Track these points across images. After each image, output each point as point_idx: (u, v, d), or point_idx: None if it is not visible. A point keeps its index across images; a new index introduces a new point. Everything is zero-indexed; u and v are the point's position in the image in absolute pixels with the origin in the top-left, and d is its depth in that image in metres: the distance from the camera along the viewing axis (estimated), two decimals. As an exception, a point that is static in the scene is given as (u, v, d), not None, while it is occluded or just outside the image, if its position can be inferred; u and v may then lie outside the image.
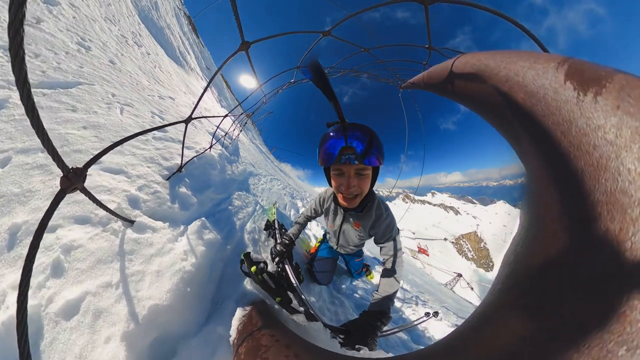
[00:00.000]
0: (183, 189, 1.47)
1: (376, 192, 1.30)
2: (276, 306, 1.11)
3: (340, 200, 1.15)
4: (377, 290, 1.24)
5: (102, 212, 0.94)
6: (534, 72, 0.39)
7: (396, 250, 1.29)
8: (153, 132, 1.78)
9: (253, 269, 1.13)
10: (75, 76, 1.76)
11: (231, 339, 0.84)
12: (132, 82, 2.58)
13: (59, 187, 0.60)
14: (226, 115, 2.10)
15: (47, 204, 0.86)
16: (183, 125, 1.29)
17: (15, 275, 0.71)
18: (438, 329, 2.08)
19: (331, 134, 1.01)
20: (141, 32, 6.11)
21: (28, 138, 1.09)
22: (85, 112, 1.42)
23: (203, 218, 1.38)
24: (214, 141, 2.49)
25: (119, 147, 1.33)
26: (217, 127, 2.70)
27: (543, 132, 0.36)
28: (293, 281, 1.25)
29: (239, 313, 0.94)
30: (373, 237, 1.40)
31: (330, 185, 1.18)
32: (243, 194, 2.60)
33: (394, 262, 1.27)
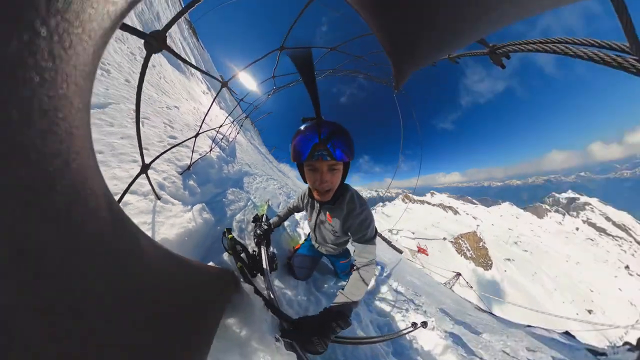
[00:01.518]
0: (191, 182, 2.01)
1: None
2: (235, 273, 1.22)
3: (315, 196, 1.19)
4: (342, 290, 1.16)
5: (143, 189, 1.48)
6: None
7: (370, 254, 1.22)
8: (167, 139, 2.31)
9: (230, 236, 1.43)
10: (105, 98, 2.28)
11: None
12: (145, 97, 3.10)
13: (124, 175, 1.15)
14: (221, 125, 2.61)
15: (109, 182, 1.40)
16: (192, 132, 1.81)
17: None
18: (429, 340, 1.84)
19: (304, 129, 1.02)
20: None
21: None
22: (120, 126, 1.94)
23: (203, 203, 1.89)
24: (213, 145, 3.01)
25: (147, 152, 1.86)
26: (217, 132, 3.22)
27: None
28: (265, 266, 1.43)
29: (211, 264, 1.16)
30: (350, 235, 1.34)
31: (304, 180, 1.20)
32: (236, 191, 3.05)
33: (365, 265, 1.19)
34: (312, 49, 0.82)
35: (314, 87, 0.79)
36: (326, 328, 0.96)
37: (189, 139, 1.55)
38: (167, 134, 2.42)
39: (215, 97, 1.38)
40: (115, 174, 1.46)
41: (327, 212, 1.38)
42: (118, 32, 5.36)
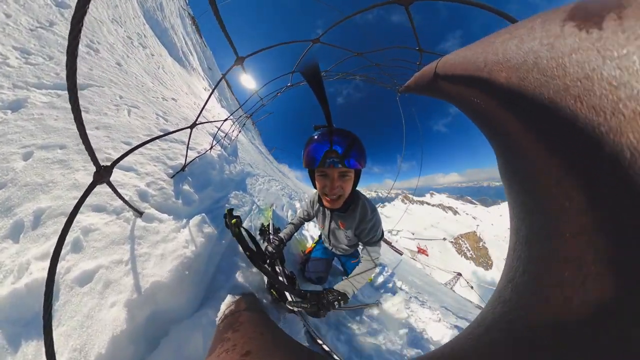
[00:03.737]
0: (186, 187, 1.59)
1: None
2: (254, 270, 1.28)
3: (325, 202, 1.20)
4: (348, 278, 1.30)
5: (116, 203, 1.06)
6: (516, 41, 0.30)
7: (377, 253, 1.35)
8: (157, 133, 1.90)
9: (234, 221, 1.28)
10: (86, 78, 1.88)
11: (217, 320, 0.93)
12: (138, 84, 2.70)
13: (91, 179, 0.72)
14: (226, 119, 2.22)
15: (67, 194, 1.00)
16: (185, 124, 1.41)
17: (38, 250, 0.84)
18: (438, 331, 2.08)
19: (317, 137, 1.06)
20: (146, 33, 6.24)
21: (47, 136, 1.21)
22: (97, 113, 1.54)
23: (203, 214, 1.48)
24: (214, 142, 2.61)
25: (129, 147, 1.45)
26: (219, 129, 2.82)
27: (545, 110, 0.26)
28: (290, 298, 1.24)
29: (228, 299, 1.03)
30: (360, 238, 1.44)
31: (315, 187, 1.22)
32: (240, 194, 2.71)
33: (371, 259, 1.33)
34: (318, 62, 0.82)
35: (323, 97, 0.80)
36: (331, 305, 1.14)
37: (180, 129, 1.13)
38: (158, 127, 2.00)
39: (226, 73, 0.97)
40: (77, 180, 1.04)
41: (340, 221, 1.40)
42: (116, 15, 4.99)
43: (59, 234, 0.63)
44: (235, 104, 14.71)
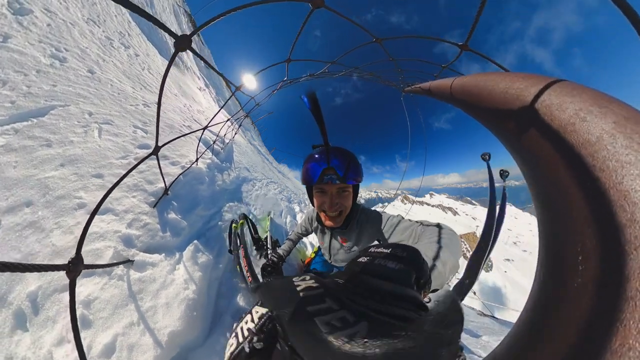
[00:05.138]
0: (172, 214, 1.43)
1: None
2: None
3: (324, 221, 1.18)
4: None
5: (103, 261, 1.01)
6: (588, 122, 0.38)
7: (417, 224, 0.96)
8: (135, 152, 1.70)
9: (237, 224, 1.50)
10: (48, 99, 1.64)
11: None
12: (114, 92, 2.46)
13: (66, 242, 0.73)
14: (206, 126, 2.01)
15: (50, 262, 0.88)
16: (168, 133, 1.22)
17: (51, 336, 0.80)
18: None
19: (315, 155, 1.08)
20: (131, 31, 5.87)
21: (10, 193, 1.06)
22: (61, 144, 1.33)
23: (195, 241, 1.41)
24: (200, 153, 2.41)
25: (101, 181, 1.26)
26: (203, 133, 2.61)
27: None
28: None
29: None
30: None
31: (313, 204, 1.22)
32: (235, 205, 2.55)
33: (429, 224, 0.91)
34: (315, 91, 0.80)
35: (321, 119, 0.84)
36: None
37: (138, 163, 0.95)
38: (135, 143, 1.79)
39: (171, 61, 0.75)
40: (55, 244, 0.95)
41: (340, 236, 1.39)
42: (93, 13, 4.65)
43: (66, 320, 0.65)
44: (235, 104, 14.20)
